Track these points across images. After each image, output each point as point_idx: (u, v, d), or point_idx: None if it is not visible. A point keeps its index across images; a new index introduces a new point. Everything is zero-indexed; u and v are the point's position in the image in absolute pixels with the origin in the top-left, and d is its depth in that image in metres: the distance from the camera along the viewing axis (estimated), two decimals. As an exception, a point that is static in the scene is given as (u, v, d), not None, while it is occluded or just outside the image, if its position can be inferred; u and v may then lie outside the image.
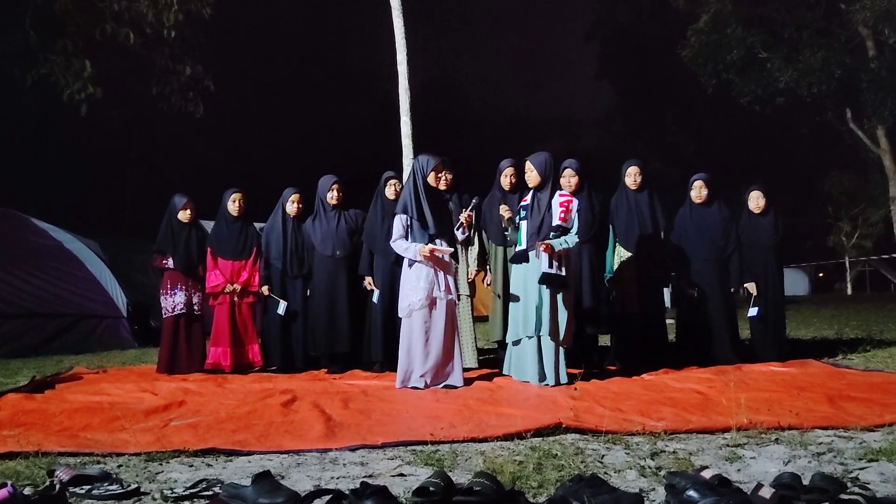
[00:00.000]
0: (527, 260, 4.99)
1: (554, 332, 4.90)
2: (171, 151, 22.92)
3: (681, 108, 30.43)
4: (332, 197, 6.11)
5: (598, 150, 36.40)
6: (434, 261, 4.90)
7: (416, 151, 9.15)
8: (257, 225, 6.57)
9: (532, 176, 5.06)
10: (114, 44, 12.35)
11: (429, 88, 29.72)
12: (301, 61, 26.10)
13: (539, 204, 5.00)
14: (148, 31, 12.10)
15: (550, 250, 4.82)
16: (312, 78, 26.44)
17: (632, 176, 5.94)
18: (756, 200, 6.13)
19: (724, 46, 18.91)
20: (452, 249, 4.95)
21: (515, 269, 5.14)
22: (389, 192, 5.95)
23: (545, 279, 4.85)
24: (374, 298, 5.85)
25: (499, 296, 5.81)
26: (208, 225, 6.86)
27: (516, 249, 5.11)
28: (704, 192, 6.03)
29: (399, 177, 6.15)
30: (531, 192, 5.10)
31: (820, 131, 24.21)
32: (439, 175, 5.01)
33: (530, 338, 4.94)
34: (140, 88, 15.93)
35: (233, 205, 6.30)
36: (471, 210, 5.10)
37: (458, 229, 4.93)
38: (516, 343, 5.07)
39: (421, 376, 4.86)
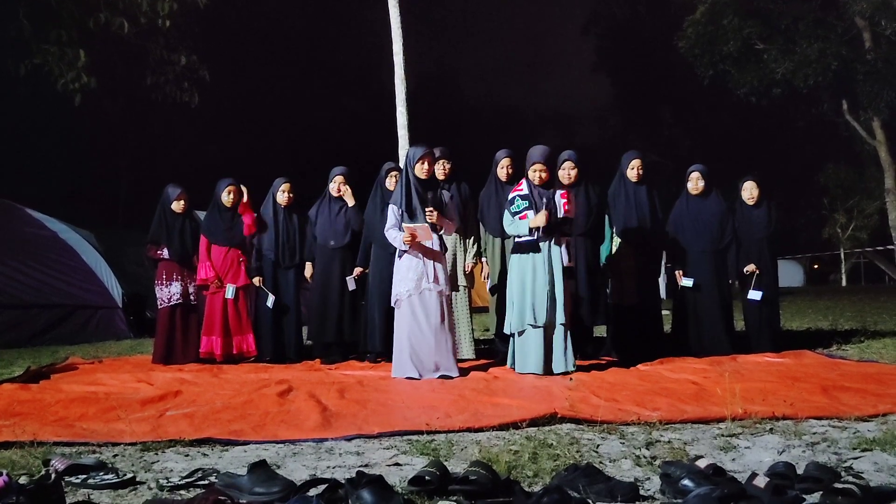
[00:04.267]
0: (535, 249, 4.97)
1: (567, 321, 4.99)
2: (165, 142, 22.83)
3: (677, 101, 30.44)
4: (333, 188, 6.11)
5: (595, 143, 36.38)
6: (418, 248, 4.90)
7: (413, 143, 9.12)
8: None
9: (546, 176, 5.04)
10: (108, 33, 12.28)
11: (425, 81, 29.62)
12: (297, 53, 25.97)
13: (545, 198, 5.00)
14: (142, 20, 12.03)
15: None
16: (308, 69, 26.32)
17: (634, 169, 5.92)
18: (750, 191, 6.14)
19: (721, 38, 18.89)
20: (427, 224, 4.85)
21: (520, 259, 5.06)
22: (390, 183, 5.91)
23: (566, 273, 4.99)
24: (351, 286, 5.93)
25: (492, 291, 5.81)
26: (203, 216, 6.84)
27: (520, 239, 5.05)
28: (701, 183, 6.04)
29: (399, 168, 6.12)
30: (526, 183, 5.07)
31: (815, 123, 24.23)
32: (425, 166, 4.94)
33: (536, 327, 4.93)
34: (134, 79, 15.85)
35: (227, 196, 6.27)
36: (432, 208, 4.92)
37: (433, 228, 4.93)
38: (521, 333, 5.04)
39: (414, 366, 4.87)
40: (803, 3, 18.85)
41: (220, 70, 17.46)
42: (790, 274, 25.92)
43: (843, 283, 27.84)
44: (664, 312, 6.28)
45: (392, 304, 5.03)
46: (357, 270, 5.93)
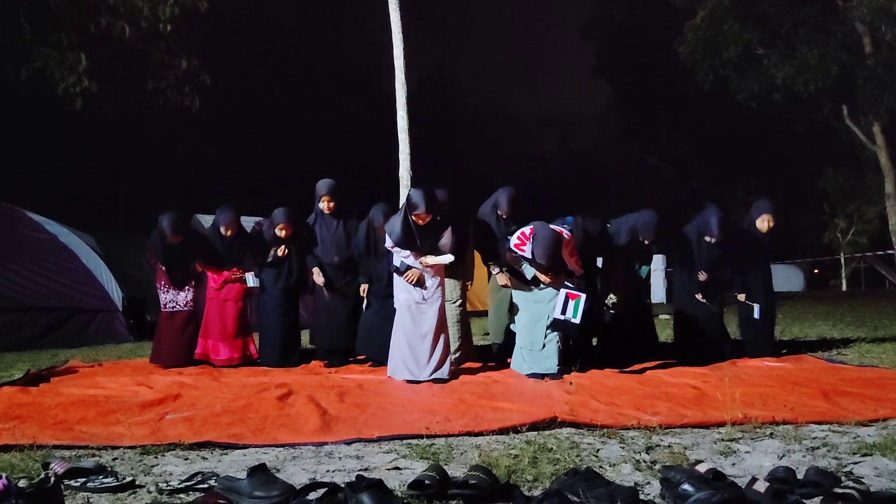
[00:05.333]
0: (535, 285, 5.20)
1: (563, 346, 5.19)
2: (165, 144, 22.82)
3: (677, 105, 30.45)
4: (324, 206, 6.04)
5: (595, 146, 36.45)
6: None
7: (413, 148, 9.05)
8: (249, 219, 6.51)
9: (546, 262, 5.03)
10: (109, 37, 12.28)
11: (425, 86, 29.68)
12: (297, 56, 25.99)
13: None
14: (143, 24, 12.03)
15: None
16: (309, 73, 26.34)
17: (651, 236, 5.78)
18: (767, 222, 5.96)
19: (721, 43, 18.87)
20: (451, 258, 5.08)
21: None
22: (377, 222, 5.82)
23: (556, 325, 5.05)
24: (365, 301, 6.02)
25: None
26: (203, 219, 6.79)
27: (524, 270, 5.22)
28: (722, 235, 5.82)
29: (383, 217, 5.86)
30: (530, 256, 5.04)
31: (816, 129, 24.24)
32: (420, 222, 4.95)
33: (552, 332, 5.08)
34: (135, 82, 15.85)
35: (225, 230, 6.20)
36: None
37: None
38: (540, 349, 5.13)
39: (407, 369, 4.99)
40: (803, 8, 18.84)
41: (221, 72, 17.45)
42: (790, 278, 25.86)
43: (844, 287, 27.80)
44: (664, 316, 6.26)
45: (395, 306, 5.19)
46: (363, 287, 5.96)
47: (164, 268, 6.19)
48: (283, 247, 6.06)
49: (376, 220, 5.77)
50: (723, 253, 5.85)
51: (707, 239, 5.74)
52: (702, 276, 5.90)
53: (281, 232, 6.04)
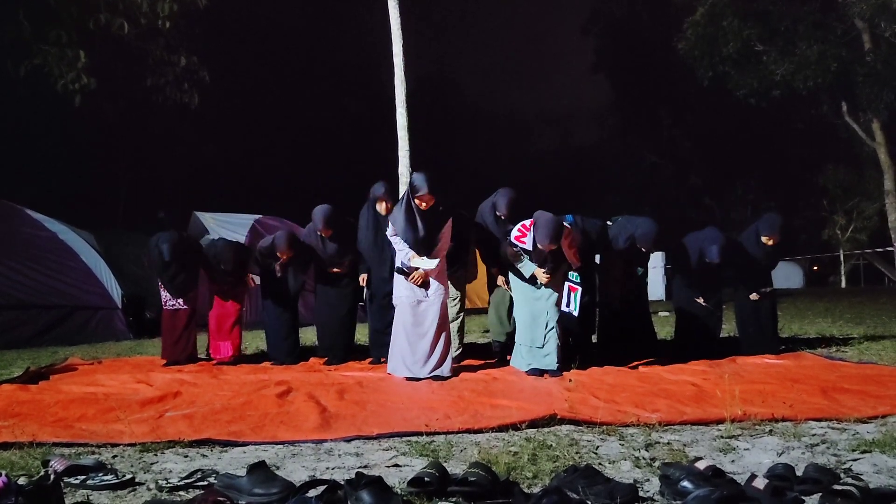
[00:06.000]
0: (533, 283, 5.14)
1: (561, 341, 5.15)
2: (165, 143, 22.81)
3: (677, 102, 30.44)
4: (321, 234, 5.99)
5: (594, 143, 36.43)
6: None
7: (413, 145, 9.07)
8: (248, 217, 6.51)
9: (552, 248, 5.00)
10: (108, 34, 12.29)
11: (425, 84, 29.64)
12: (297, 53, 25.98)
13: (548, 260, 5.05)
14: (142, 21, 12.04)
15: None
16: (308, 70, 26.31)
17: (649, 245, 5.74)
18: (773, 240, 5.95)
19: (721, 39, 18.89)
20: (436, 262, 5.02)
21: (521, 283, 5.23)
22: (381, 207, 5.83)
23: (560, 318, 5.05)
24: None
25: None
26: (203, 218, 6.77)
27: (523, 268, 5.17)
28: (721, 261, 5.76)
29: (389, 195, 5.93)
30: (531, 243, 5.02)
31: (815, 125, 24.25)
32: (423, 205, 4.95)
33: (550, 330, 5.06)
34: (134, 81, 15.85)
35: (224, 266, 6.22)
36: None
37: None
38: (540, 346, 5.13)
39: (406, 366, 4.99)
40: (803, 4, 18.86)
41: (220, 71, 17.45)
42: (790, 276, 25.85)
43: (843, 284, 27.81)
44: (663, 314, 6.26)
45: (394, 303, 5.19)
46: (362, 277, 5.98)
47: (162, 284, 6.24)
48: (283, 261, 6.09)
49: (376, 190, 5.81)
50: (722, 272, 5.89)
51: (707, 261, 5.73)
52: (700, 301, 5.93)
53: (283, 256, 6.05)
